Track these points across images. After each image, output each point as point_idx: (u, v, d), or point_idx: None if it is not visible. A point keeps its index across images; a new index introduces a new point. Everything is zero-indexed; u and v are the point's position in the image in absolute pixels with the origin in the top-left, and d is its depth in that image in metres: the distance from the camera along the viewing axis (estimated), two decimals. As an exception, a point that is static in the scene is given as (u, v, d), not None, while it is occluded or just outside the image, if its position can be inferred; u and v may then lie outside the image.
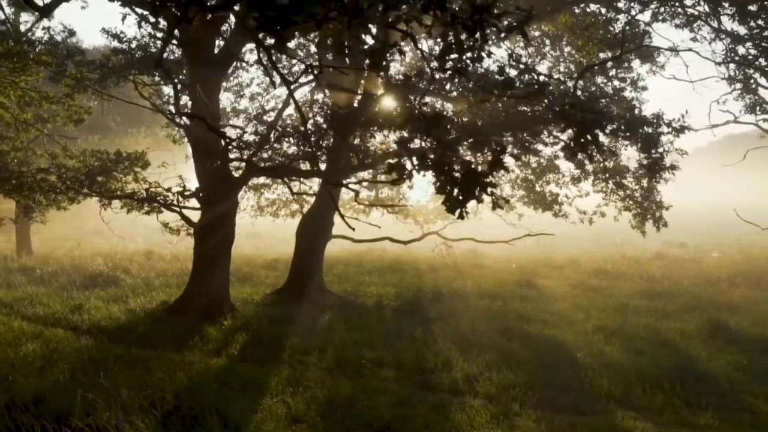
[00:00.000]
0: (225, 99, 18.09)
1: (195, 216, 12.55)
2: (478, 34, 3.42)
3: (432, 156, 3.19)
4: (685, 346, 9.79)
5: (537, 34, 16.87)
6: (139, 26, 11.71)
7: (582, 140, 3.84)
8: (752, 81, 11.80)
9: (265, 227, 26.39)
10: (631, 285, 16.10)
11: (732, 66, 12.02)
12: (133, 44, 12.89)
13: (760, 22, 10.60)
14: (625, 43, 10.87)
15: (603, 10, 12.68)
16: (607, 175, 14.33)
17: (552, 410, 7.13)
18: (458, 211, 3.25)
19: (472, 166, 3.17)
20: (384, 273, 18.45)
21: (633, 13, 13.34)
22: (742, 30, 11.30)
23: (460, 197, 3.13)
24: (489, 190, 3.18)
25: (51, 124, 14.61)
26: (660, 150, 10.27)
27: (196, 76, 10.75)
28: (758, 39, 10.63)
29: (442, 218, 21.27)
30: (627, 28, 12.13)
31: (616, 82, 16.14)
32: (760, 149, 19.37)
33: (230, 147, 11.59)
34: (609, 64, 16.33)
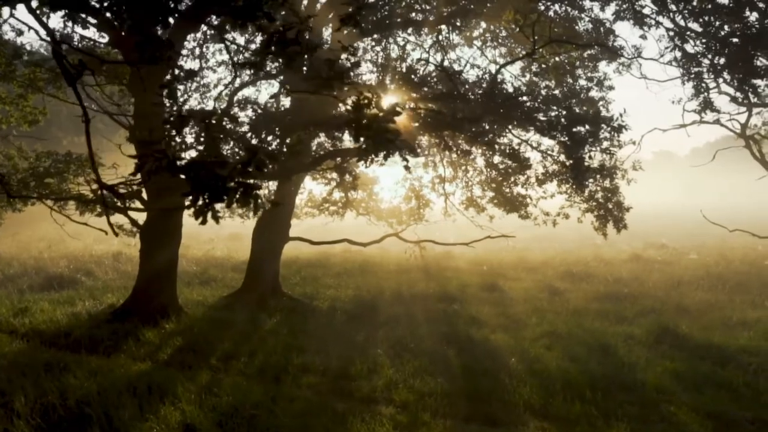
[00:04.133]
0: (192, 99, 17.87)
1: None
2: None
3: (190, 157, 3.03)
4: (627, 352, 9.53)
5: (505, 34, 16.69)
6: (73, 27, 11.56)
7: (377, 144, 3.68)
8: (702, 80, 11.50)
9: (246, 229, 26.14)
10: (597, 287, 15.82)
11: (682, 63, 11.76)
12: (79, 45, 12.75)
13: (711, 18, 10.31)
14: (536, 38, 10.62)
15: (558, 7, 12.42)
16: (569, 175, 14.05)
17: (463, 420, 6.91)
18: (202, 217, 3.06)
19: (217, 171, 3.00)
20: (352, 275, 18.23)
21: (595, 11, 13.08)
22: (694, 27, 11.05)
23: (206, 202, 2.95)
24: (254, 193, 3.01)
25: (6, 124, 14.47)
26: (582, 152, 9.96)
27: (134, 74, 10.57)
28: (709, 36, 10.34)
29: (416, 220, 21.04)
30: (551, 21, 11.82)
31: (582, 81, 16.00)
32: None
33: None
34: (581, 62, 16.18)
